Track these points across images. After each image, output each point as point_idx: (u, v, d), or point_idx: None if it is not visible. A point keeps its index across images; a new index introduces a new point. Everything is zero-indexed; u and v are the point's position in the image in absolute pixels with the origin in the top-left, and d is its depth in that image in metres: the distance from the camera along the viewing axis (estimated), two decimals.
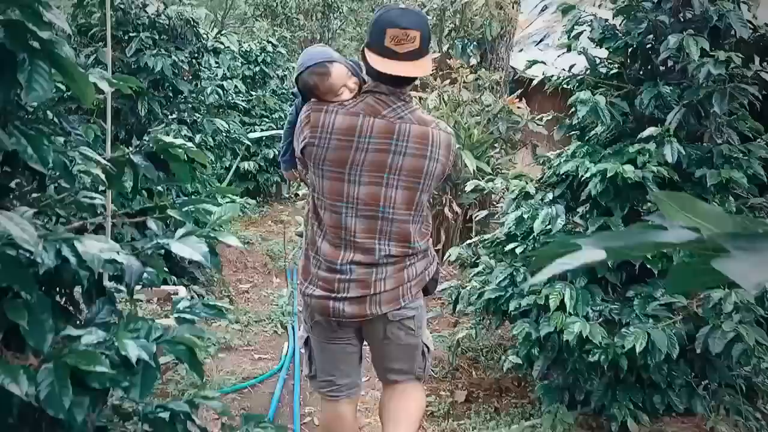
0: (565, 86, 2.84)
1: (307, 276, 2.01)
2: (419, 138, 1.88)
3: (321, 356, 2.10)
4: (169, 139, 1.36)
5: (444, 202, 4.55)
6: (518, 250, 2.68)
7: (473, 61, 5.07)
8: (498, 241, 2.92)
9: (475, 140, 4.29)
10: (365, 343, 2.13)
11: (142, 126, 3.99)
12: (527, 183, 2.83)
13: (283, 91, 9.31)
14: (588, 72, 2.83)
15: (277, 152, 7.57)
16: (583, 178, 2.50)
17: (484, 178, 4.65)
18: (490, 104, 4.48)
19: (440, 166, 1.94)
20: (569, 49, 2.74)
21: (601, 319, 2.50)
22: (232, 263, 5.52)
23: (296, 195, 9.06)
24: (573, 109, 2.64)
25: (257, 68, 7.63)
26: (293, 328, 4.14)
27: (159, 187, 3.51)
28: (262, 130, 7.51)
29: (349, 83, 1.89)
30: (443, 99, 4.52)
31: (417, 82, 3.60)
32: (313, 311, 2.01)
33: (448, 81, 4.76)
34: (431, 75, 4.83)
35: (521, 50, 5.67)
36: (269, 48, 7.74)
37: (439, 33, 5.22)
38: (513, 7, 4.98)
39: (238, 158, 5.72)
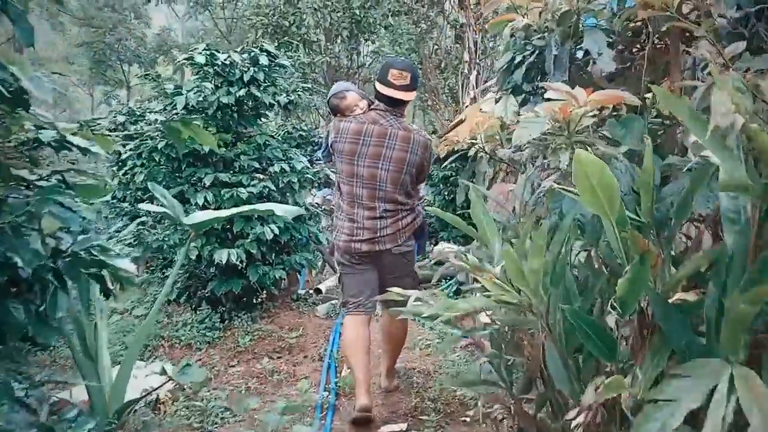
0: None
1: (336, 228, 3.12)
2: (403, 139, 3.01)
3: (350, 283, 3.14)
4: None
5: None
6: None
7: None
8: None
9: None
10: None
11: None
12: None
13: (293, 131, 6.26)
14: None
15: (277, 231, 4.44)
16: None
17: None
18: None
19: (418, 158, 3.05)
20: None
21: None
22: None
23: (317, 291, 5.84)
24: None
25: (242, 91, 4.55)
26: None
27: None
28: (250, 193, 4.38)
29: (360, 104, 3.15)
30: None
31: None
32: (343, 252, 3.10)
33: None
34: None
35: None
36: (262, 60, 4.69)
37: None
38: None
39: (184, 248, 2.54)
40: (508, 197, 2.55)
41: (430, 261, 6.66)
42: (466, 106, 10.12)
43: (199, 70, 4.80)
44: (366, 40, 10.56)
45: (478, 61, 10.09)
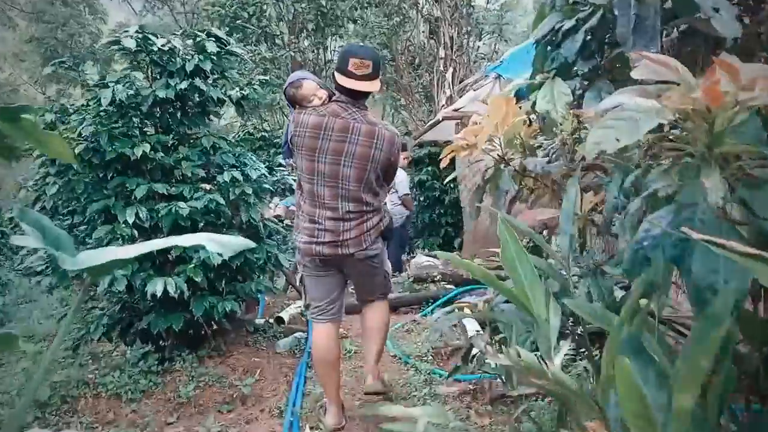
0: None
1: (297, 229, 2.89)
2: (367, 134, 2.76)
3: (313, 287, 2.97)
4: None
5: None
6: None
7: None
8: None
9: None
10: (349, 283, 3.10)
11: None
12: None
13: (255, 132, 5.54)
14: None
15: (226, 259, 3.64)
16: None
17: None
18: None
19: (384, 155, 2.80)
20: None
21: None
22: None
23: (279, 320, 5.02)
24: None
25: (184, 83, 3.74)
26: None
27: None
28: (193, 208, 3.57)
29: (318, 93, 2.85)
30: None
31: None
32: (303, 254, 2.86)
33: None
34: None
35: None
36: (210, 46, 3.88)
37: None
38: None
39: (78, 298, 1.84)
40: (538, 227, 1.83)
41: (409, 277, 5.91)
42: (442, 106, 9.43)
43: (132, 60, 3.98)
44: (333, 35, 9.76)
45: (454, 57, 9.42)
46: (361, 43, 9.46)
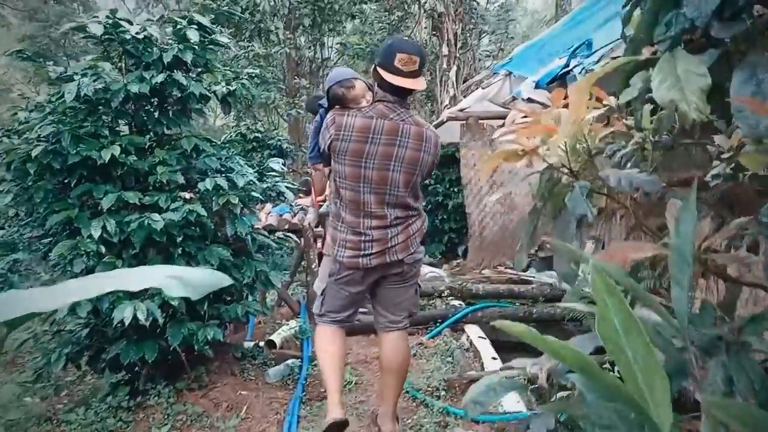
0: None
1: (336, 241, 2.69)
2: (416, 136, 2.61)
3: (337, 299, 2.78)
4: None
5: None
6: None
7: None
8: None
9: None
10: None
11: None
12: None
13: (248, 133, 5.15)
14: None
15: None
16: None
17: None
18: None
19: (430, 158, 2.67)
20: None
21: None
22: None
23: (270, 344, 4.47)
24: None
25: (161, 77, 3.25)
26: None
27: None
28: (169, 221, 3.08)
29: (367, 96, 2.69)
30: None
31: None
32: (345, 267, 2.69)
33: None
34: None
35: None
36: (192, 35, 3.39)
37: None
38: None
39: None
40: (626, 264, 1.34)
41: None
42: (446, 106, 8.95)
43: (103, 50, 3.50)
44: (331, 31, 9.27)
45: (458, 55, 8.94)
46: (365, 46, 9.00)
